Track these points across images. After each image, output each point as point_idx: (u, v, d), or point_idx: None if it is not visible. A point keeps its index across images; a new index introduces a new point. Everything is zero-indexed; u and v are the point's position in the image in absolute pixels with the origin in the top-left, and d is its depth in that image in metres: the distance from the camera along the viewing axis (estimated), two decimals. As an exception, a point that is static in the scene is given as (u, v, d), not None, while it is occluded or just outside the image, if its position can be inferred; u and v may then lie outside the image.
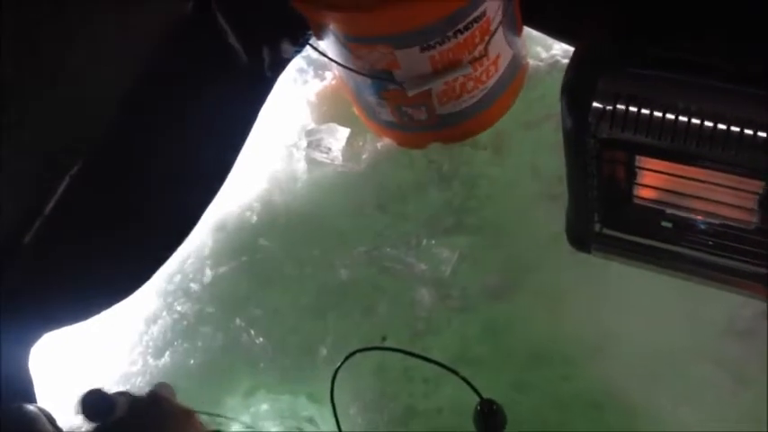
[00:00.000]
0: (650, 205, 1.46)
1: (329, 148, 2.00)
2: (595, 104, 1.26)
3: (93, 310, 1.80)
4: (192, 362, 1.89)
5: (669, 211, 1.45)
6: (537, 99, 1.94)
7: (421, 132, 1.93)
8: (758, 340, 1.57)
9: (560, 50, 2.01)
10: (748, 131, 1.17)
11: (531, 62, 2.01)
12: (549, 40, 2.00)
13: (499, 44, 1.75)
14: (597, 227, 1.53)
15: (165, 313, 1.97)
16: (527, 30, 1.94)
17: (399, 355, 1.71)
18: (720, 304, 1.60)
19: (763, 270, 1.41)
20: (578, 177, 1.45)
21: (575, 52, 1.34)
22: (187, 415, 1.19)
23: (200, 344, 1.91)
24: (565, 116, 1.34)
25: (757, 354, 1.56)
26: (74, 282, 1.68)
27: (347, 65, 1.75)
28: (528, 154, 1.89)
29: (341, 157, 2.01)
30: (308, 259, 1.94)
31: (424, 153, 1.97)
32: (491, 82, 1.82)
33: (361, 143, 2.05)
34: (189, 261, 2.01)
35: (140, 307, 1.98)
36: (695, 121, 1.20)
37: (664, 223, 1.47)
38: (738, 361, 1.56)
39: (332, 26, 1.65)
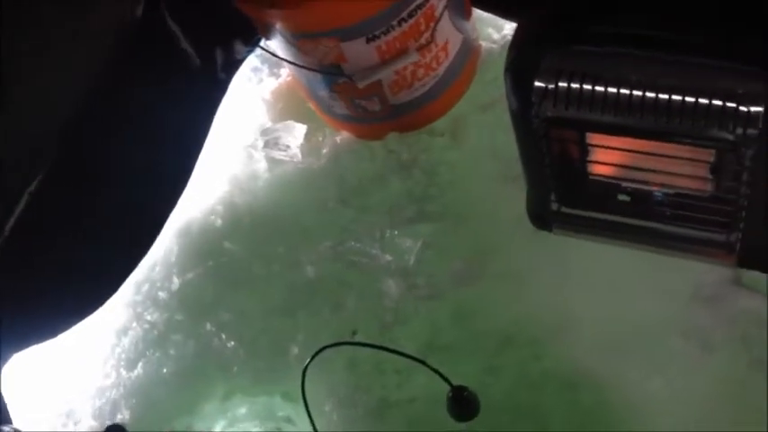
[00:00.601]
0: (606, 180, 1.44)
1: (288, 146, 1.98)
2: (538, 84, 1.26)
3: (64, 326, 1.79)
4: (165, 371, 1.88)
5: (625, 184, 1.44)
6: (491, 81, 1.93)
7: (377, 123, 1.92)
8: (724, 306, 1.58)
9: (512, 31, 1.98)
10: (690, 100, 1.18)
11: (484, 44, 2.00)
12: (501, 21, 1.99)
13: (447, 29, 1.74)
14: (555, 206, 1.53)
15: (135, 324, 1.96)
16: (477, 12, 1.93)
17: (370, 348, 1.73)
18: (684, 273, 1.61)
19: (722, 237, 1.41)
20: (530, 158, 1.44)
21: (516, 32, 1.35)
22: None
23: (172, 352, 1.90)
24: (510, 97, 1.33)
25: (723, 320, 1.57)
26: (41, 298, 1.67)
27: (296, 61, 1.74)
28: (486, 137, 1.89)
29: (300, 154, 2.00)
30: (274, 259, 1.94)
31: (383, 144, 1.97)
32: (442, 68, 1.81)
33: (320, 138, 2.04)
34: (156, 269, 1.99)
35: (110, 319, 1.96)
36: (637, 93, 1.20)
37: (621, 197, 1.46)
38: (705, 328, 1.57)
39: (276, 24, 1.64)
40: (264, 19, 1.66)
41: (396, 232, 1.86)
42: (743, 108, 1.16)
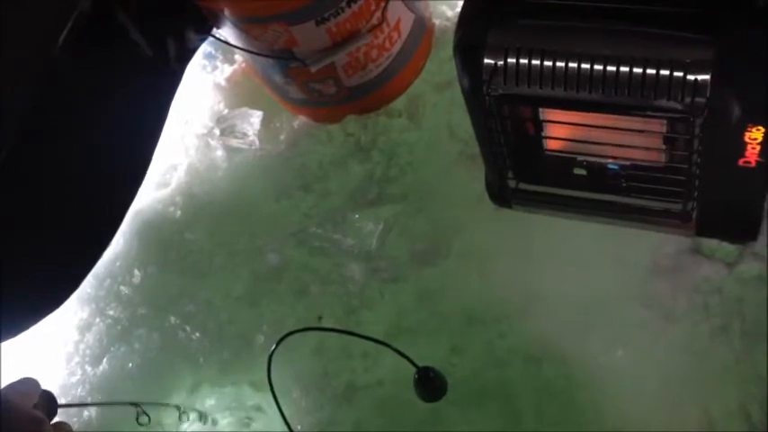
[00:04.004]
0: (561, 155, 1.44)
1: (245, 134, 1.96)
2: (487, 61, 1.26)
3: (24, 325, 1.77)
4: (130, 365, 1.87)
5: (580, 158, 1.44)
6: (447, 60, 1.91)
7: (334, 106, 1.90)
8: (683, 276, 1.59)
9: (466, 8, 1.99)
10: (637, 70, 1.18)
11: (438, 22, 1.98)
12: (454, -1, 1.98)
13: (398, 8, 1.73)
14: (513, 183, 1.53)
15: (98, 319, 1.94)
16: (430, -10, 1.93)
17: (336, 333, 1.72)
18: (644, 244, 1.61)
19: (678, 206, 1.42)
20: (485, 136, 1.44)
21: (462, 8, 1.33)
22: (34, 423, 0.99)
23: (137, 346, 1.88)
24: (460, 76, 1.33)
25: (683, 289, 1.58)
26: (1, 297, 1.65)
27: (248, 47, 1.72)
28: (443, 116, 1.88)
29: (257, 141, 1.98)
30: (236, 248, 1.92)
31: (341, 127, 1.95)
32: (396, 48, 1.80)
33: (277, 124, 2.01)
34: (117, 264, 1.98)
35: (73, 316, 1.95)
36: (585, 66, 1.20)
37: (577, 171, 1.46)
38: (666, 298, 1.58)
39: (223, 10, 1.61)
40: (211, 5, 1.64)
41: (357, 216, 1.84)
42: (690, 77, 1.16)
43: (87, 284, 1.93)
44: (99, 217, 1.82)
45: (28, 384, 1.07)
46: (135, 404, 1.60)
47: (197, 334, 1.86)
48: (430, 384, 1.45)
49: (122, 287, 1.95)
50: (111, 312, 1.94)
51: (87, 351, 1.92)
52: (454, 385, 1.46)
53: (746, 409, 1.46)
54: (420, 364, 1.42)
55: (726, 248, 1.59)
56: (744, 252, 1.58)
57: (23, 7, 1.58)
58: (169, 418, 1.77)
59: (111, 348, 1.90)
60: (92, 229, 1.81)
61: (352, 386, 1.71)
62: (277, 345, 1.51)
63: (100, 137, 1.72)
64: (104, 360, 1.89)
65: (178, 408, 1.75)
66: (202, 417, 1.78)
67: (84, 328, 1.94)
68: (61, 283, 1.80)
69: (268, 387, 1.53)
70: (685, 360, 1.53)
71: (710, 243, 1.59)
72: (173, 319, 1.89)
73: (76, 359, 1.92)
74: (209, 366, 1.83)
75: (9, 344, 1.73)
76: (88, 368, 1.89)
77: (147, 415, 1.62)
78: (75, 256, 1.80)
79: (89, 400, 1.85)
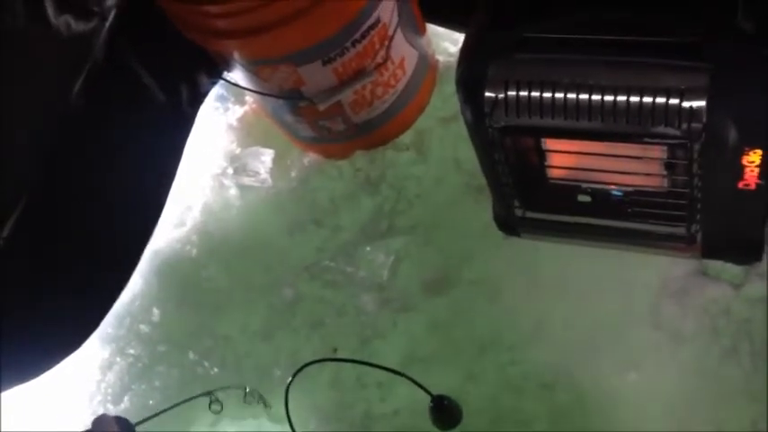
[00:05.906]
0: (565, 183, 1.48)
1: (256, 172, 2.01)
2: (488, 94, 1.30)
3: (48, 364, 1.81)
4: (151, 402, 1.89)
5: (584, 186, 1.47)
6: (451, 94, 1.93)
7: (343, 143, 1.95)
8: (691, 298, 1.61)
9: (467, 44, 2.03)
10: (635, 99, 1.21)
11: (441, 58, 2.03)
12: (457, 35, 2.01)
13: (401, 47, 1.78)
14: (520, 211, 1.56)
15: (119, 358, 1.97)
16: (433, 27, 1.97)
17: (351, 364, 1.75)
18: (651, 268, 1.64)
19: (682, 230, 1.44)
20: (490, 167, 1.48)
21: (463, 44, 1.38)
22: None
23: (157, 383, 1.92)
24: (463, 109, 1.37)
25: (692, 311, 1.60)
26: (22, 337, 1.68)
27: (257, 89, 1.77)
28: (449, 149, 1.92)
29: (270, 179, 2.03)
30: (251, 284, 1.96)
31: (350, 162, 1.99)
32: (401, 85, 1.85)
33: (288, 161, 2.06)
34: (136, 303, 2.01)
35: (94, 355, 1.98)
36: (583, 96, 1.24)
37: (581, 198, 1.50)
38: (675, 320, 1.60)
39: (231, 53, 1.67)
40: (217, 48, 1.69)
41: (368, 248, 1.88)
42: (686, 104, 1.20)
43: (108, 324, 1.96)
44: (115, 258, 1.86)
45: (101, 424, 1.12)
46: (209, 393, 1.72)
47: (216, 369, 1.89)
48: (445, 412, 1.48)
49: (142, 325, 1.99)
50: (131, 351, 1.97)
51: (109, 390, 1.95)
52: (470, 413, 1.49)
53: (758, 427, 1.47)
54: (435, 393, 1.45)
55: (732, 270, 1.61)
56: (750, 273, 1.60)
57: (39, 59, 1.64)
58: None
59: (133, 386, 1.93)
60: (107, 270, 1.85)
61: (368, 416, 1.74)
62: (293, 377, 1.54)
63: (115, 180, 1.77)
64: (126, 398, 1.92)
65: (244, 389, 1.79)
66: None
67: (106, 367, 1.97)
68: (80, 324, 1.84)
69: (286, 419, 1.57)
70: (696, 381, 1.55)
71: (717, 265, 1.61)
72: (192, 354, 1.92)
73: (98, 398, 1.95)
74: (228, 400, 1.83)
75: (33, 385, 1.77)
76: (110, 406, 1.92)
77: (220, 402, 1.74)
78: (92, 298, 1.85)
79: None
